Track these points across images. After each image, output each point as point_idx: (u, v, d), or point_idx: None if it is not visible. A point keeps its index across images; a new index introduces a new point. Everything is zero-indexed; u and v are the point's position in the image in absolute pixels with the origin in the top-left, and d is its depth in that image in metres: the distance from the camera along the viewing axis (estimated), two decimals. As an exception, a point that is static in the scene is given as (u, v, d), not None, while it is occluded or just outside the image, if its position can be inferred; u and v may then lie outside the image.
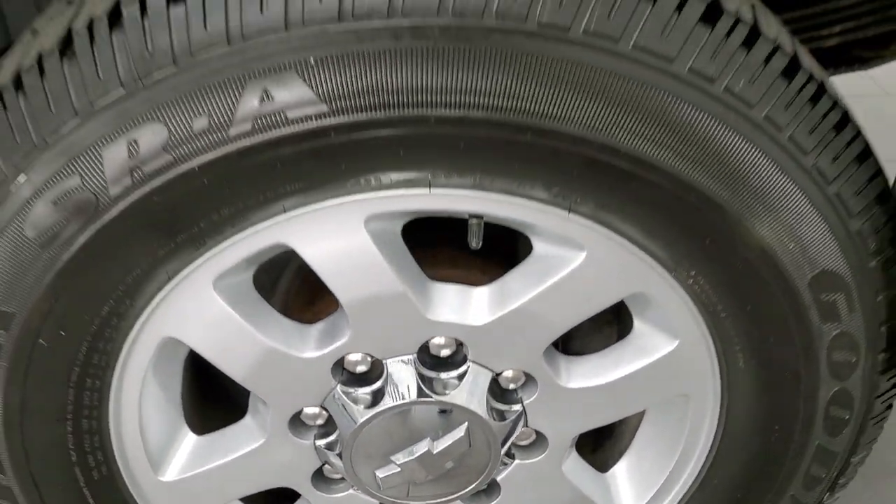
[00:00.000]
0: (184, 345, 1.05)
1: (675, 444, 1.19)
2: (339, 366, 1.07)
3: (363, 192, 0.91)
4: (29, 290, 0.91)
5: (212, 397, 1.24)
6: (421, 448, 1.11)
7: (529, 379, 1.10)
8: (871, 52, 1.46)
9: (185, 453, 1.15)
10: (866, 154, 0.95)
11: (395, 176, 0.90)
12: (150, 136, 0.83)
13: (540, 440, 1.17)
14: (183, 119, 0.82)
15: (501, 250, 1.19)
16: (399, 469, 1.12)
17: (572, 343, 1.28)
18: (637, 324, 1.10)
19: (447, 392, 1.09)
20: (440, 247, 1.17)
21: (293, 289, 1.25)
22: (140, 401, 1.08)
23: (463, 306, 1.04)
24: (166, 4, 0.81)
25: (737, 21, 0.86)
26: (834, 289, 0.98)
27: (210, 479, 1.15)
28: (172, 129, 0.83)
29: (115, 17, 0.82)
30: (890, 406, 1.17)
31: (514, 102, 0.83)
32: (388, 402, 1.08)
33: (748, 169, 0.89)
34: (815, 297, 0.98)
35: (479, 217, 0.98)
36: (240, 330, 1.02)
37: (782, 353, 1.04)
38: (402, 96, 0.82)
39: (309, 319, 1.12)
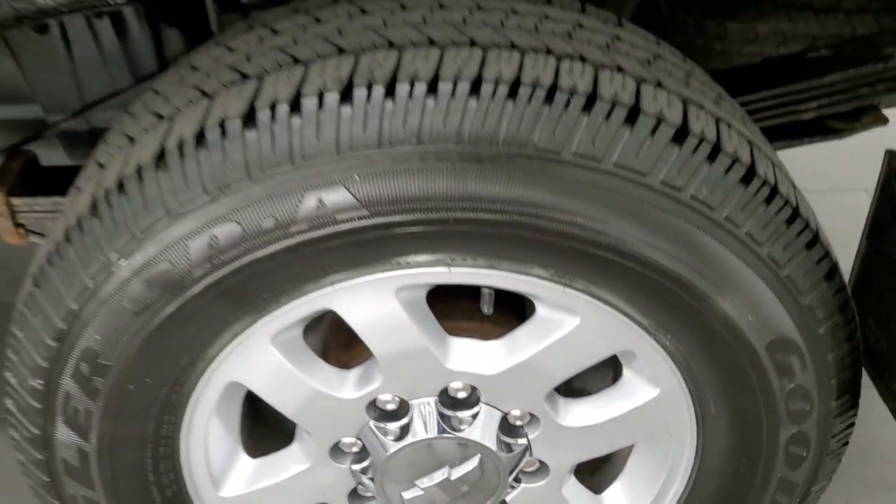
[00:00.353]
0: (244, 386, 1.26)
1: (660, 471, 1.38)
2: (373, 404, 1.27)
3: (394, 271, 1.11)
4: (124, 348, 1.12)
5: (263, 425, 1.45)
6: (440, 475, 1.31)
7: (534, 418, 1.30)
8: (844, 125, 1.64)
9: (242, 474, 1.36)
10: (814, 241, 1.13)
11: (421, 259, 1.10)
12: (227, 233, 1.03)
13: (543, 468, 1.37)
14: (254, 220, 1.02)
15: (511, 300, 1.38)
16: (422, 492, 1.32)
17: (575, 381, 1.48)
18: (626, 372, 1.29)
19: (463, 428, 1.29)
20: (458, 299, 1.36)
21: (332, 333, 1.46)
22: (206, 430, 1.29)
23: (477, 358, 1.24)
24: (241, 130, 1.01)
25: (701, 140, 1.04)
26: (788, 351, 1.16)
27: (262, 495, 1.36)
28: (245, 228, 1.03)
29: (200, 138, 1.02)
30: (846, 443, 1.35)
31: (516, 207, 1.02)
32: (413, 436, 1.28)
33: (712, 258, 1.08)
34: (773, 358, 1.16)
35: (490, 288, 1.18)
36: (291, 376, 1.23)
37: (746, 402, 1.22)
38: (427, 203, 1.02)
39: (346, 361, 1.32)
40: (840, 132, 1.66)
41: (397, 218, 1.03)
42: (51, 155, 1.85)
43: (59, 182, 1.70)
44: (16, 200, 1.65)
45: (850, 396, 1.27)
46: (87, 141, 1.87)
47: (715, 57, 1.97)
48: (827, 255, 1.15)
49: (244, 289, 1.09)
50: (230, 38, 1.21)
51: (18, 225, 1.68)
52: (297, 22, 1.16)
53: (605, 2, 1.61)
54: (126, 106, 1.29)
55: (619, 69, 1.07)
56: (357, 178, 1.00)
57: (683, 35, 1.95)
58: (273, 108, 1.01)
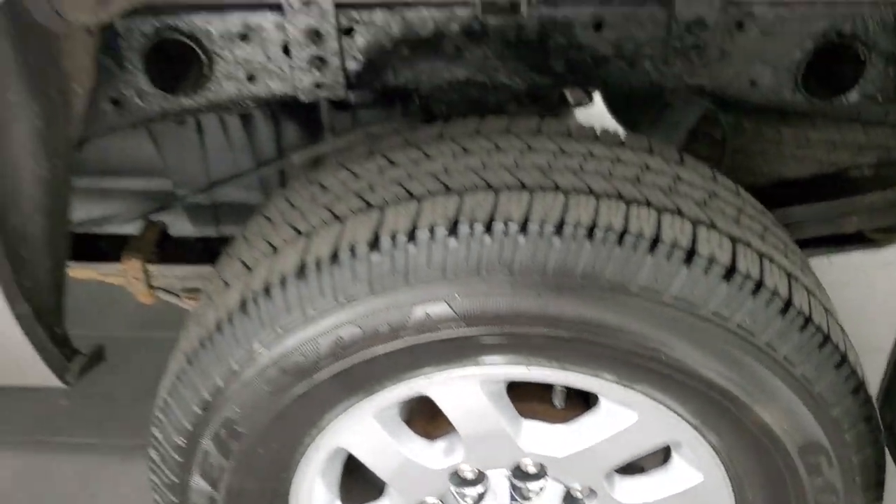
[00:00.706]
0: (346, 450, 1.49)
1: (702, 544, 1.57)
2: (454, 473, 1.49)
3: (481, 368, 1.33)
4: (257, 419, 1.36)
5: (356, 479, 1.68)
6: (510, 536, 1.53)
7: (592, 491, 1.50)
8: (882, 236, 1.82)
9: (338, 521, 1.60)
10: (842, 361, 1.32)
11: (504, 360, 1.32)
12: (350, 334, 1.26)
13: (598, 532, 1.57)
14: (372, 325, 1.25)
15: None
16: (493, 549, 1.54)
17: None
18: (675, 457, 1.49)
19: (531, 497, 1.50)
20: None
21: (419, 404, 1.68)
22: (312, 485, 1.52)
23: (546, 441, 1.45)
24: (368, 253, 1.25)
25: (746, 278, 1.25)
26: (817, 453, 1.34)
27: (353, 542, 1.59)
28: (365, 330, 1.26)
29: (334, 257, 1.26)
30: (870, 528, 1.52)
31: (589, 328, 1.24)
32: (488, 502, 1.50)
33: (753, 376, 1.27)
34: (803, 459, 1.35)
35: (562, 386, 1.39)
36: (388, 445, 1.45)
37: (779, 493, 1.40)
38: (516, 319, 1.24)
39: (429, 431, 1.54)
40: (878, 242, 1.84)
41: (488, 330, 1.25)
42: (177, 224, 2.13)
43: (184, 250, 1.99)
44: (151, 268, 1.93)
45: (874, 492, 1.45)
46: (209, 213, 2.15)
47: (770, 158, 2.16)
48: (853, 373, 1.33)
49: (357, 376, 1.33)
50: (353, 161, 1.45)
51: (151, 287, 1.97)
52: (409, 156, 1.40)
53: (667, 117, 1.82)
54: (259, 207, 1.55)
55: (679, 212, 1.28)
56: (458, 297, 1.23)
57: (742, 138, 2.15)
58: (394, 237, 1.24)
